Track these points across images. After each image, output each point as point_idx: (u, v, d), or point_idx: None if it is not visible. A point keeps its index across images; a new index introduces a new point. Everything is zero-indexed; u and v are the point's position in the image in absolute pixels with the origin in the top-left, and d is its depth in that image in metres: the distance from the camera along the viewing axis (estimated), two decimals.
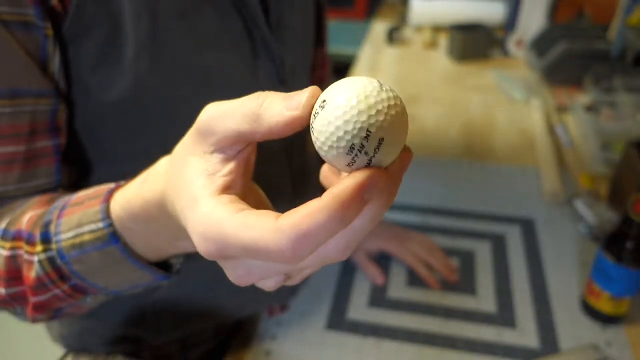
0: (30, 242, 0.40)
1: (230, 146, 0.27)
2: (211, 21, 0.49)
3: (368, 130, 0.23)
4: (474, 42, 1.43)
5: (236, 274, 0.27)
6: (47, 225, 0.39)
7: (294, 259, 0.23)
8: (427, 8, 1.65)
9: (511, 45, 1.47)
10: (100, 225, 0.36)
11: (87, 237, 0.37)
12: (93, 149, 0.51)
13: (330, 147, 0.23)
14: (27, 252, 0.40)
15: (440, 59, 1.47)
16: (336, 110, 0.23)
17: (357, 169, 0.24)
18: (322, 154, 0.24)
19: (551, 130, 1.08)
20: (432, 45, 1.55)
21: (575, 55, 1.23)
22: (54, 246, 0.39)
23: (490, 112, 1.19)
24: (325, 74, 0.82)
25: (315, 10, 0.69)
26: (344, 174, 0.30)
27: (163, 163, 0.33)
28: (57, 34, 0.43)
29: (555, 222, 0.82)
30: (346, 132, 0.23)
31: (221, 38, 0.50)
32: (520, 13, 1.48)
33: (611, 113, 1.05)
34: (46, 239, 0.39)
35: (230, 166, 0.27)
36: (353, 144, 0.23)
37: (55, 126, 0.45)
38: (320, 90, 0.25)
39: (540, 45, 1.33)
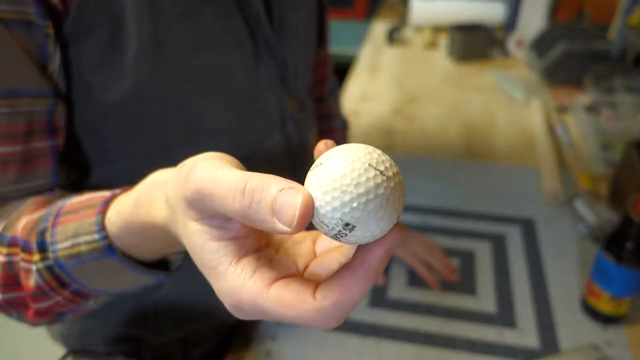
0: (27, 250, 0.39)
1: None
2: (213, 21, 0.49)
3: (348, 223, 0.24)
4: (474, 42, 1.44)
5: (272, 320, 0.29)
6: (42, 233, 0.39)
7: (338, 325, 0.26)
8: (427, 8, 1.65)
9: (511, 45, 1.47)
10: (96, 237, 0.36)
11: (83, 248, 0.36)
12: (93, 149, 0.51)
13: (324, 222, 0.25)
14: (23, 260, 0.39)
15: (440, 59, 1.47)
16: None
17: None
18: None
19: (551, 130, 1.08)
20: (432, 45, 1.55)
21: (575, 55, 1.23)
22: (50, 255, 0.38)
23: (490, 112, 1.19)
24: (327, 74, 0.82)
25: (317, 10, 0.69)
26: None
27: (156, 190, 0.31)
28: (58, 33, 0.42)
29: (555, 222, 0.82)
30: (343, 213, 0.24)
31: (223, 38, 0.50)
32: (520, 13, 1.48)
33: (611, 113, 1.05)
34: (42, 248, 0.38)
35: (235, 226, 0.27)
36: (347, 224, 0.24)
37: (52, 127, 0.45)
38: (312, 200, 0.24)
39: (540, 45, 1.33)
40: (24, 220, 0.41)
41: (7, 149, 0.42)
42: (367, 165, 0.24)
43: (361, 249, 0.26)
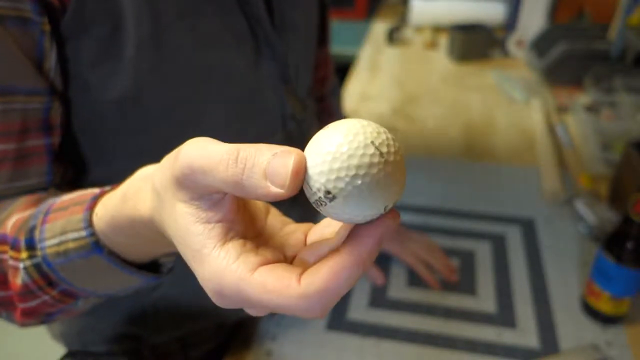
0: (15, 247, 0.39)
1: (216, 193, 0.26)
2: (213, 19, 0.49)
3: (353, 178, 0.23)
4: (474, 42, 1.44)
5: (254, 312, 0.27)
6: (31, 231, 0.38)
7: (323, 315, 0.24)
8: (427, 8, 1.65)
9: (511, 45, 1.47)
10: (83, 233, 0.35)
11: (70, 245, 0.36)
12: (91, 147, 0.51)
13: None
14: (11, 258, 0.39)
15: (440, 59, 1.47)
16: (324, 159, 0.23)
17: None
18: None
19: (551, 130, 1.08)
20: (432, 45, 1.55)
21: (575, 55, 1.23)
22: (38, 252, 0.37)
23: (490, 112, 1.19)
24: (328, 73, 0.82)
25: (318, 9, 0.69)
26: None
27: (143, 183, 0.31)
28: (54, 30, 0.42)
29: (555, 222, 0.82)
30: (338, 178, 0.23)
31: (223, 36, 0.50)
32: (520, 13, 1.48)
33: (611, 113, 1.05)
34: (31, 245, 0.38)
35: (224, 208, 0.26)
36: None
37: (48, 125, 0.44)
38: (304, 160, 0.24)
39: (540, 45, 1.33)
40: (14, 218, 0.41)
41: (1, 146, 0.41)
42: (369, 142, 0.23)
43: (351, 235, 0.25)
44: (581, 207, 0.82)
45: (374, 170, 0.23)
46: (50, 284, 0.39)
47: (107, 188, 0.37)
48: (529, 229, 0.81)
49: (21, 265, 0.38)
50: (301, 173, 0.23)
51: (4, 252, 0.40)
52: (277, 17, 0.55)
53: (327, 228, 0.29)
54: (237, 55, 0.52)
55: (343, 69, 1.41)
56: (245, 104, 0.55)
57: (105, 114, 0.48)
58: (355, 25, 1.79)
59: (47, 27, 0.41)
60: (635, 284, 0.61)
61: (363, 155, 0.22)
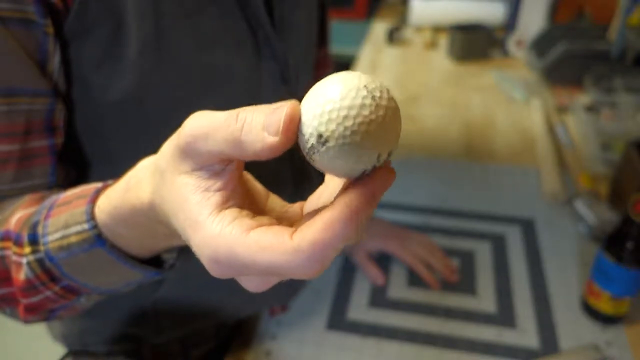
0: (18, 243, 0.39)
1: (218, 163, 0.26)
2: (214, 20, 0.49)
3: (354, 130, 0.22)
4: (474, 42, 1.44)
5: (253, 285, 0.27)
6: (34, 226, 0.38)
7: (317, 273, 0.23)
8: (427, 8, 1.65)
9: (511, 45, 1.47)
10: (86, 226, 0.35)
11: (73, 239, 0.36)
12: (93, 148, 0.51)
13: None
14: (15, 253, 0.39)
15: (440, 59, 1.47)
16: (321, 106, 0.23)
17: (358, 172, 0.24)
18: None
19: (551, 130, 1.08)
20: (432, 45, 1.55)
21: (575, 55, 1.23)
22: (41, 247, 0.38)
23: (490, 112, 1.19)
24: (328, 73, 0.82)
25: (318, 10, 0.69)
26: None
27: (144, 172, 0.31)
28: (58, 31, 0.42)
29: (555, 222, 0.82)
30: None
31: (224, 37, 0.50)
32: (520, 13, 1.48)
33: (611, 113, 1.05)
34: (34, 240, 0.38)
35: (223, 178, 0.26)
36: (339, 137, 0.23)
37: (51, 126, 0.45)
38: (298, 106, 0.24)
39: (540, 45, 1.33)
40: (18, 214, 0.41)
41: (5, 147, 0.42)
42: (362, 85, 0.22)
43: (344, 188, 0.24)
44: (581, 207, 0.82)
45: (366, 112, 0.22)
46: (53, 279, 0.39)
47: (109, 182, 0.37)
48: (529, 229, 0.81)
49: (24, 260, 0.38)
50: (295, 118, 0.23)
51: (7, 248, 0.40)
52: (277, 17, 0.55)
53: (321, 198, 0.29)
54: (238, 56, 0.52)
55: (343, 69, 1.41)
56: (245, 104, 0.55)
57: (107, 114, 0.48)
58: (355, 25, 1.79)
59: (51, 29, 0.41)
60: (635, 284, 0.61)
61: (355, 97, 0.22)
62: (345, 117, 0.22)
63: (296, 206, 0.31)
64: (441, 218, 0.84)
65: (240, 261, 0.24)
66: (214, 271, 0.26)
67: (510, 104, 1.22)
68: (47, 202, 0.40)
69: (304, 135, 0.23)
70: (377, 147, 0.23)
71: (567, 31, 1.32)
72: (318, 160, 0.24)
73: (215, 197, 0.26)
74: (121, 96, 0.46)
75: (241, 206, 0.27)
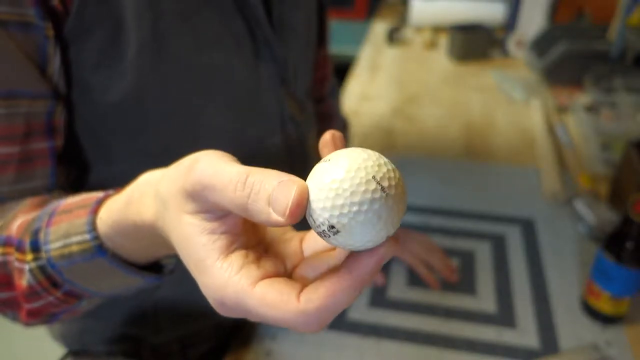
0: (20, 249, 0.39)
1: (222, 210, 0.26)
2: (213, 21, 0.49)
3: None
4: (474, 42, 1.44)
5: (255, 321, 0.28)
6: (36, 233, 0.39)
7: (317, 332, 0.25)
8: (427, 8, 1.65)
9: (511, 45, 1.47)
10: (87, 237, 0.36)
11: (74, 248, 0.36)
12: (93, 148, 0.51)
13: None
14: (17, 260, 0.39)
15: (440, 59, 1.47)
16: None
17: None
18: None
19: (551, 130, 1.08)
20: (432, 45, 1.55)
21: (575, 55, 1.23)
22: (43, 254, 0.38)
23: (490, 112, 1.19)
24: (327, 74, 0.82)
25: (317, 10, 0.69)
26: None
27: (146, 188, 0.32)
28: (58, 34, 0.42)
29: (555, 222, 0.82)
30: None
31: (223, 38, 0.50)
32: (520, 13, 1.48)
33: (611, 113, 1.05)
34: (35, 247, 0.38)
35: (229, 222, 0.27)
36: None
37: (51, 128, 0.45)
38: (307, 193, 0.24)
39: (540, 45, 1.33)
40: (19, 219, 0.41)
41: (6, 149, 0.42)
42: (370, 177, 0.23)
43: (352, 256, 0.25)
44: (581, 207, 0.82)
45: (376, 206, 0.23)
46: (55, 285, 0.39)
47: (110, 192, 0.37)
48: (529, 229, 0.81)
49: (26, 267, 0.39)
50: (302, 205, 0.24)
51: (10, 253, 0.40)
52: (276, 18, 0.55)
53: (319, 239, 0.30)
54: (237, 57, 0.52)
55: (343, 69, 1.41)
56: (244, 105, 0.55)
57: (107, 115, 0.48)
58: (355, 25, 1.79)
59: (51, 32, 0.42)
60: (635, 284, 0.61)
61: (365, 191, 0.23)
62: (357, 212, 0.23)
63: (295, 241, 0.32)
64: (441, 218, 0.84)
65: (247, 310, 0.26)
66: (220, 311, 0.27)
67: (510, 104, 1.22)
68: (49, 209, 0.40)
69: (314, 221, 0.24)
70: (386, 231, 0.24)
71: (567, 31, 1.32)
72: (329, 242, 0.25)
73: (221, 241, 0.26)
74: (120, 97, 0.46)
75: (246, 241, 0.28)
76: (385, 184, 0.24)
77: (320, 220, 0.24)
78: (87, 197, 0.39)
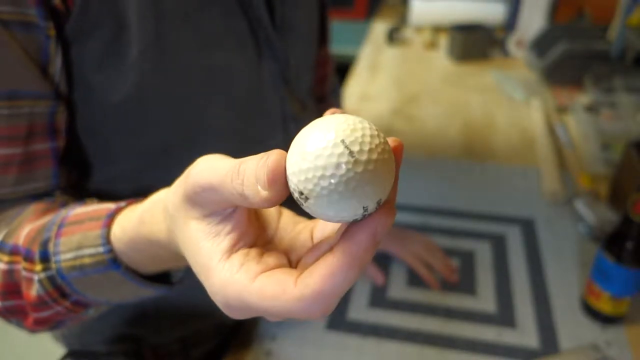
0: (29, 259, 0.39)
1: (227, 207, 0.27)
2: (216, 21, 0.49)
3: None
4: (474, 42, 1.44)
5: (270, 319, 0.28)
6: (45, 243, 0.39)
7: (326, 314, 0.24)
8: (427, 8, 1.65)
9: (511, 45, 1.47)
10: (100, 249, 0.36)
11: (87, 260, 0.37)
12: (95, 148, 0.51)
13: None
14: (25, 269, 0.39)
15: (440, 59, 1.47)
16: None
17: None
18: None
19: (551, 130, 1.08)
20: (432, 45, 1.55)
21: (575, 55, 1.23)
22: (53, 265, 0.38)
23: (490, 112, 1.19)
24: (328, 73, 0.83)
25: (318, 10, 0.69)
26: None
27: (157, 208, 0.32)
28: (59, 34, 0.42)
29: (555, 222, 0.82)
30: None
31: (226, 38, 0.50)
32: (520, 13, 1.48)
33: (611, 113, 1.05)
34: (45, 258, 0.38)
35: (234, 220, 0.27)
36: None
37: (53, 128, 0.45)
38: (283, 160, 0.23)
39: (540, 45, 1.33)
40: (26, 228, 0.41)
41: (8, 150, 0.42)
42: (338, 140, 0.22)
43: (344, 234, 0.24)
44: (581, 207, 0.82)
45: (341, 171, 0.21)
46: (64, 295, 0.39)
47: (122, 204, 0.38)
48: (529, 229, 0.81)
49: (35, 277, 0.39)
50: (278, 172, 0.23)
51: (17, 262, 0.40)
52: (278, 17, 0.55)
53: (329, 225, 0.29)
54: (239, 56, 0.52)
55: (343, 69, 1.41)
56: (246, 104, 0.55)
57: (109, 115, 0.48)
58: (355, 25, 1.79)
59: (52, 32, 0.41)
60: (635, 284, 0.61)
61: (330, 155, 0.21)
62: (321, 178, 0.22)
63: (306, 232, 0.30)
64: (441, 218, 0.84)
65: (250, 307, 0.25)
66: (229, 314, 0.27)
67: (510, 104, 1.22)
68: (57, 218, 0.40)
69: (289, 187, 0.23)
70: (360, 200, 0.22)
71: (567, 31, 1.32)
72: (307, 210, 0.24)
73: (225, 242, 0.27)
74: (122, 97, 0.46)
75: (252, 241, 0.28)
76: (356, 148, 0.21)
77: (292, 186, 0.23)
78: (98, 208, 0.39)
